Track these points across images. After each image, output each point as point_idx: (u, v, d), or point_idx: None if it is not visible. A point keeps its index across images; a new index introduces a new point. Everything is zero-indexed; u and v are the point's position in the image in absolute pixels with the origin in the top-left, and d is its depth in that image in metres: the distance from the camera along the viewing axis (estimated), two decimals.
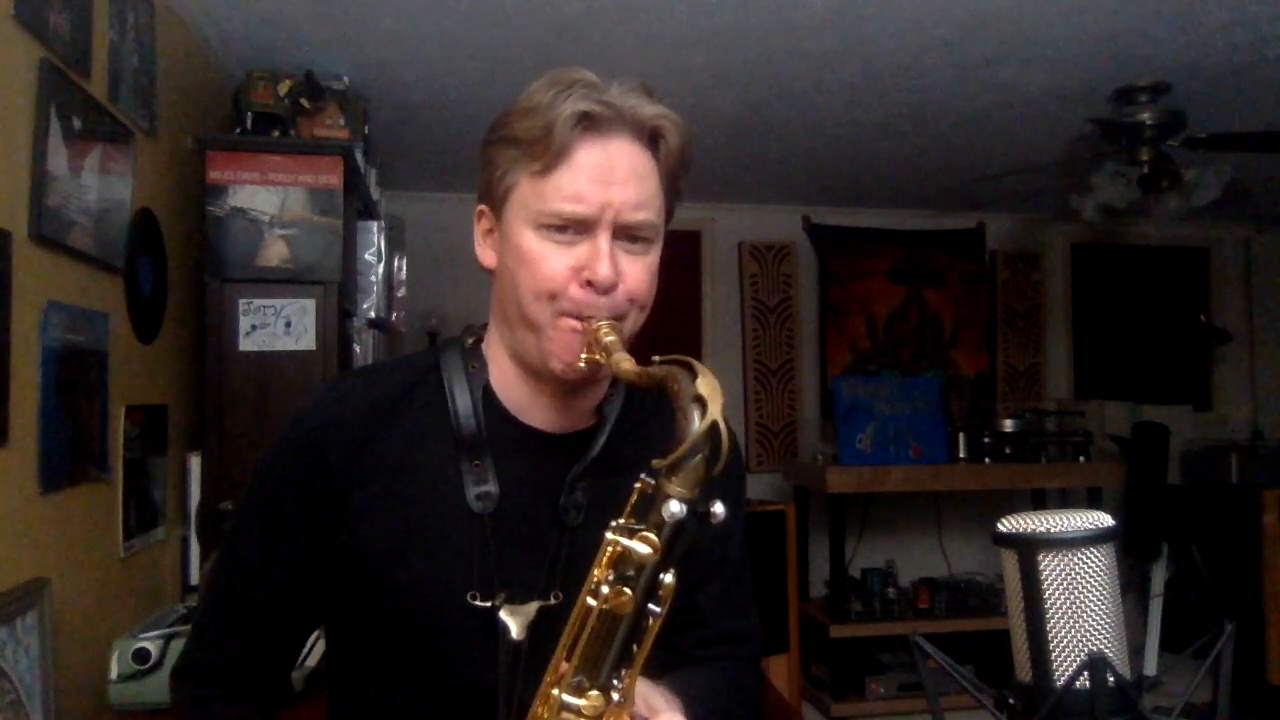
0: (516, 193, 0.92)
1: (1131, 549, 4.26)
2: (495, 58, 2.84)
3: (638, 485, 0.80)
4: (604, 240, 0.89)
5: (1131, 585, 4.42)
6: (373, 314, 2.99)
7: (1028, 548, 0.81)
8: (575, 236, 0.90)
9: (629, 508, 0.81)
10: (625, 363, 0.85)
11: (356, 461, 0.94)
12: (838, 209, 4.94)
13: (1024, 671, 0.82)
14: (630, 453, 0.96)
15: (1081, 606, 0.79)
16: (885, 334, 5.05)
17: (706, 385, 0.79)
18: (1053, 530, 0.80)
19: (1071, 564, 0.79)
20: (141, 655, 1.80)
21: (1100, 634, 0.78)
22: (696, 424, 0.77)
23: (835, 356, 4.97)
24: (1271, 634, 4.01)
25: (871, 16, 2.59)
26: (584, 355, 0.89)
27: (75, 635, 1.78)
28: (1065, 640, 0.79)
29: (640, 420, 1.00)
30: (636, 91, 0.92)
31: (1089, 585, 0.79)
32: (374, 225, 3.01)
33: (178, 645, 1.79)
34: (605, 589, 0.79)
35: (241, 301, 2.39)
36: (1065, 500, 4.69)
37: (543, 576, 0.93)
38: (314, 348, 2.43)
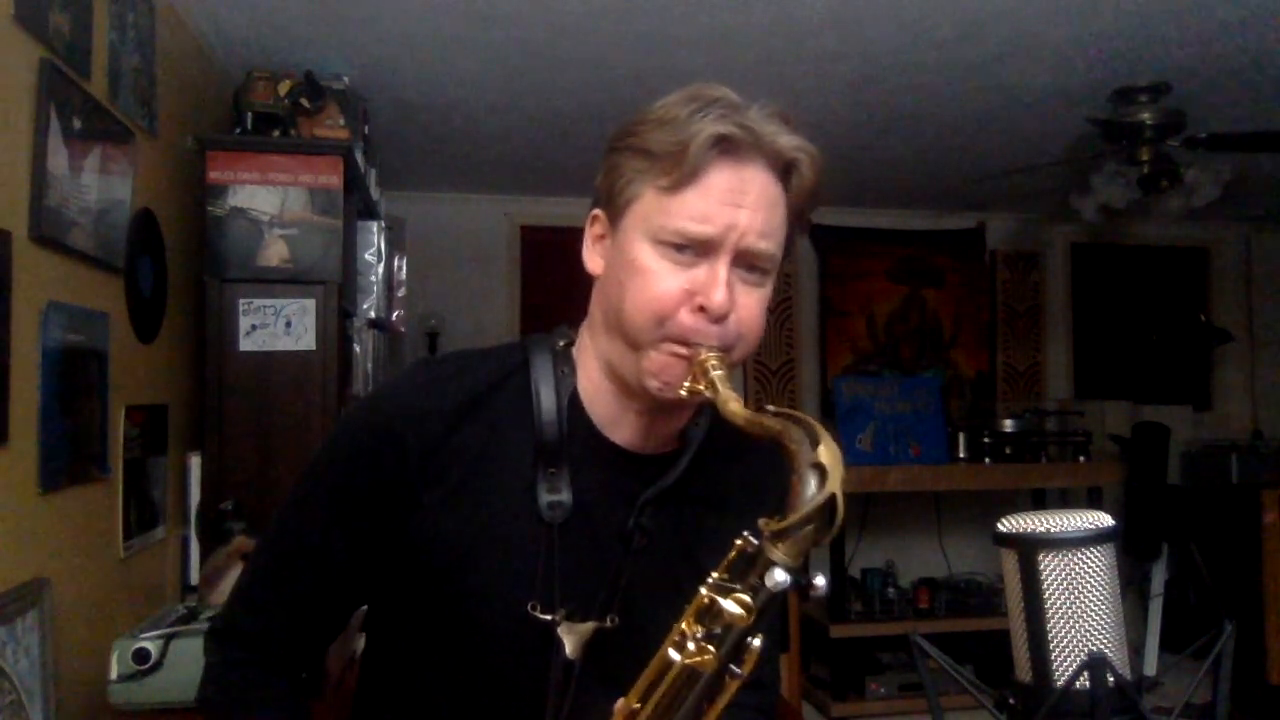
0: (639, 204, 0.89)
1: (1131, 549, 4.26)
2: (495, 58, 2.84)
3: (739, 542, 0.77)
4: (722, 266, 0.86)
5: (1131, 585, 4.42)
6: (373, 314, 2.99)
7: (1028, 548, 0.81)
8: (693, 258, 0.87)
9: (725, 563, 0.78)
10: (734, 404, 0.82)
11: (435, 454, 0.91)
12: (838, 209, 4.94)
13: (1024, 671, 0.82)
14: (705, 486, 0.94)
15: (1081, 606, 0.79)
16: (885, 334, 5.05)
17: (828, 453, 0.74)
18: (1053, 530, 0.81)
19: (1071, 564, 0.79)
20: (141, 655, 1.79)
21: (1100, 634, 0.79)
22: (814, 493, 0.73)
23: (835, 356, 4.97)
24: (1271, 634, 4.00)
25: (871, 16, 2.59)
26: (687, 384, 0.86)
27: (75, 635, 1.78)
28: (1065, 640, 0.79)
29: (721, 453, 0.97)
30: (775, 118, 0.89)
31: (1089, 585, 0.79)
32: (374, 225, 3.01)
33: (178, 645, 1.79)
34: (689, 643, 0.77)
35: (241, 301, 2.39)
36: (1065, 500, 4.69)
37: (602, 596, 0.91)
38: (314, 348, 2.43)
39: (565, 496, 0.91)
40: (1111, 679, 0.77)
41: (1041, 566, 0.80)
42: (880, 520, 4.73)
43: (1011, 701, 0.83)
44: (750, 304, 0.89)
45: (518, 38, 2.69)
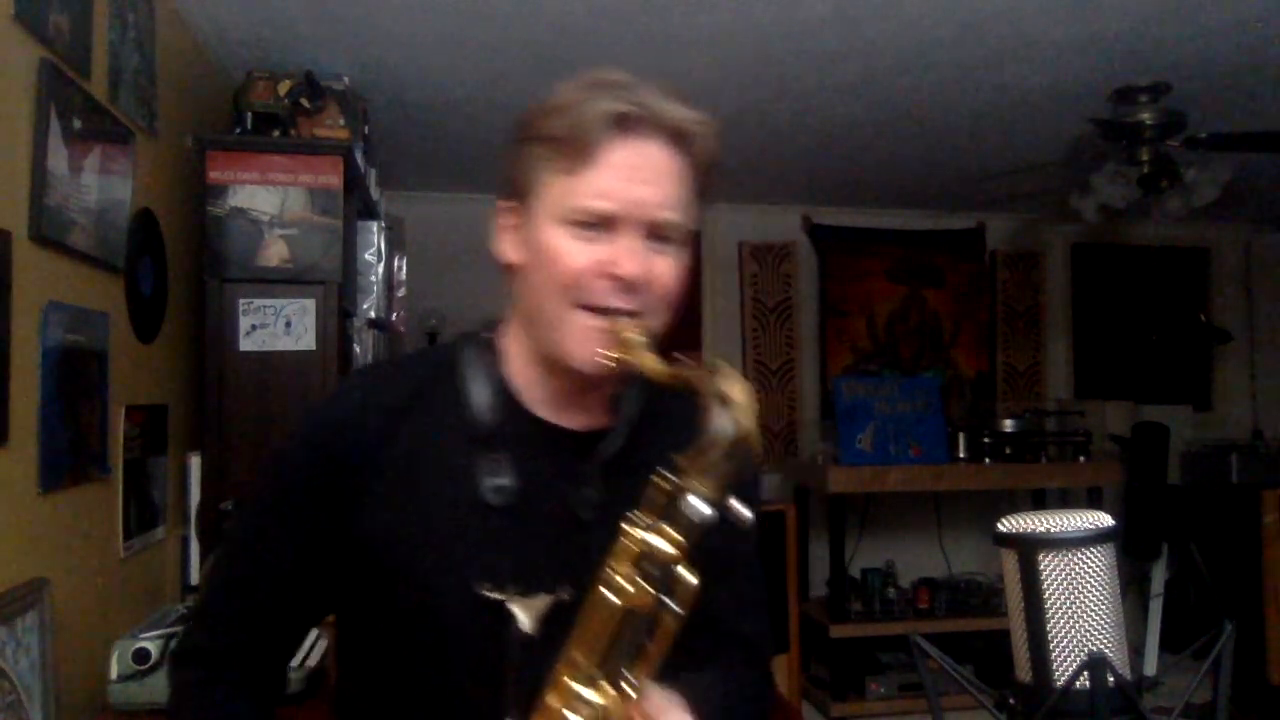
0: (544, 189, 0.92)
1: (1131, 549, 4.26)
2: (495, 58, 2.84)
3: (658, 480, 0.80)
4: (632, 238, 0.89)
5: (1131, 585, 4.42)
6: (373, 314, 2.99)
7: (1028, 548, 0.81)
8: (601, 234, 0.90)
9: (647, 502, 0.81)
10: (652, 362, 0.86)
11: (373, 458, 0.94)
12: (838, 209, 4.94)
13: (1024, 671, 0.82)
14: (648, 453, 0.95)
15: (1081, 606, 0.79)
16: (885, 334, 5.04)
17: (737, 387, 0.79)
18: (1053, 530, 0.80)
19: (1071, 564, 0.79)
20: (141, 655, 1.80)
21: (1100, 634, 0.78)
22: (725, 425, 0.78)
23: (835, 356, 4.97)
24: (1271, 634, 4.00)
25: (872, 16, 2.59)
26: (609, 354, 0.89)
27: (75, 635, 1.78)
28: (1065, 640, 0.79)
29: (659, 420, 0.99)
30: (667, 94, 0.92)
31: (1089, 585, 0.79)
32: (374, 225, 3.00)
33: None
34: (624, 583, 0.79)
35: (241, 301, 2.39)
36: (1065, 500, 4.69)
37: (555, 572, 0.92)
38: (314, 348, 2.42)
39: (508, 480, 0.93)
40: (1111, 679, 0.77)
41: (1041, 566, 0.80)
42: (880, 520, 4.73)
43: (1011, 701, 0.83)
44: (663, 270, 0.92)
45: (518, 38, 2.69)
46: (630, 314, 0.89)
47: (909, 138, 3.71)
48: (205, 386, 2.39)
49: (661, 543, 0.78)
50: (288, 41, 2.68)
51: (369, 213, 3.00)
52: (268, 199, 2.41)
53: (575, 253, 0.90)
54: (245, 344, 2.39)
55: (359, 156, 2.73)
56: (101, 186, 1.89)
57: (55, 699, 1.64)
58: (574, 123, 0.89)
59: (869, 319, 5.02)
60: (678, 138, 0.92)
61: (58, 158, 1.69)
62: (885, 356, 5.02)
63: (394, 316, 3.42)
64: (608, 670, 0.81)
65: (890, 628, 4.20)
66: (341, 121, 2.65)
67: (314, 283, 2.43)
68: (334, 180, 2.46)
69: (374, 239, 3.00)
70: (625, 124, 0.89)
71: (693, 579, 0.79)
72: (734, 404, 0.78)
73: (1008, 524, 0.83)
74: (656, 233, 0.91)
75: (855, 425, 4.21)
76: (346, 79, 2.78)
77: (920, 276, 5.07)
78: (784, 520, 3.80)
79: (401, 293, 3.55)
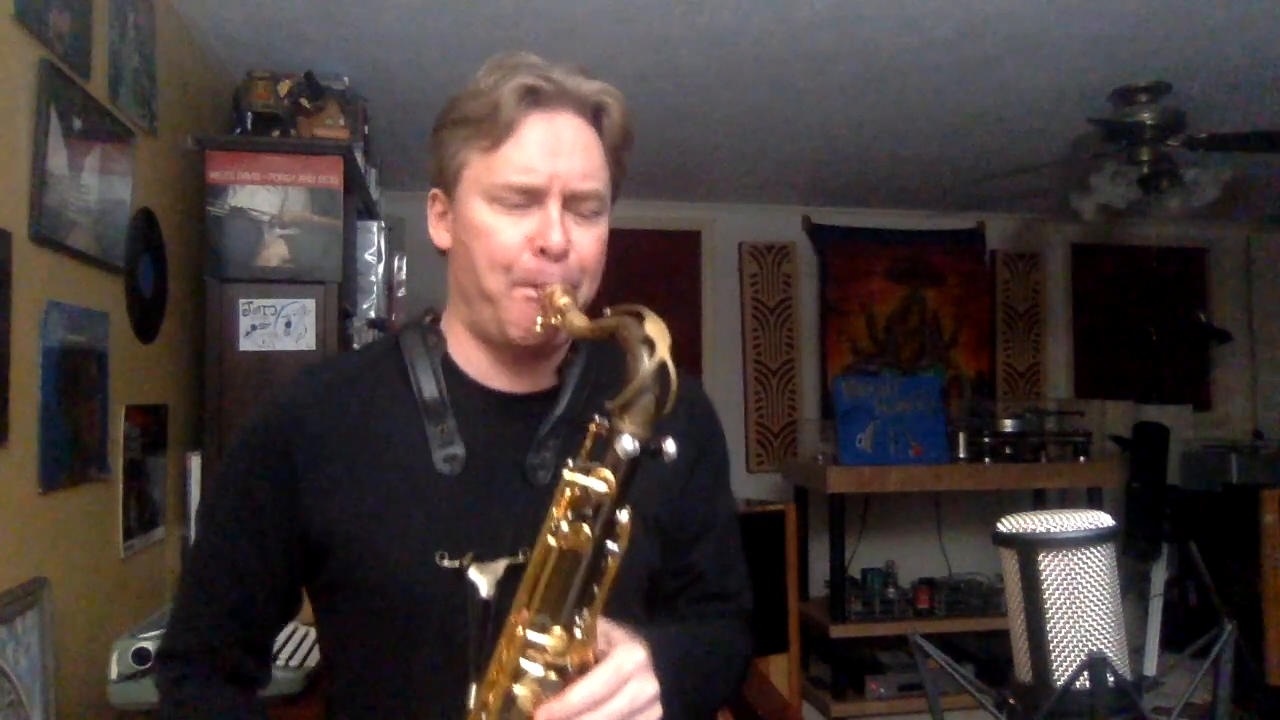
0: (468, 170, 0.95)
1: (1131, 549, 4.26)
2: None
3: (592, 427, 0.83)
4: (554, 209, 0.92)
5: (1131, 585, 4.42)
6: (373, 314, 2.98)
7: (1028, 548, 0.81)
8: (526, 208, 0.93)
9: (584, 450, 0.84)
10: (578, 320, 0.89)
11: (319, 441, 0.96)
12: (838, 209, 4.94)
13: (1024, 671, 0.82)
14: (595, 414, 0.98)
15: (1081, 606, 0.79)
16: (885, 334, 5.04)
17: (654, 328, 0.82)
18: (1052, 530, 0.80)
19: (1071, 564, 0.79)
20: (141, 655, 1.79)
21: (1100, 634, 0.78)
22: (645, 364, 0.80)
23: (835, 356, 4.97)
24: (1271, 634, 4.00)
25: (871, 16, 2.59)
26: (539, 320, 0.92)
27: (75, 635, 1.78)
28: (1065, 640, 0.79)
29: (602, 380, 1.02)
30: (577, 72, 0.96)
31: (1089, 585, 0.79)
32: (374, 225, 3.00)
33: None
34: (564, 527, 0.82)
35: (241, 301, 2.39)
36: (1065, 500, 4.69)
37: (512, 535, 0.94)
38: (314, 348, 2.43)
39: (458, 449, 0.96)
40: (1111, 679, 0.77)
41: (1041, 566, 0.80)
42: (880, 520, 4.73)
43: (1011, 701, 0.83)
44: (587, 241, 0.95)
45: (518, 38, 2.68)
46: (559, 283, 0.92)
47: (909, 138, 3.71)
48: (205, 386, 2.39)
49: (595, 483, 0.80)
50: (288, 41, 2.68)
51: (369, 213, 3.00)
52: (268, 199, 2.41)
53: (504, 229, 0.93)
54: (245, 344, 2.39)
55: (359, 156, 2.73)
56: (101, 186, 1.90)
57: (55, 699, 1.64)
58: (491, 101, 0.92)
59: (869, 319, 5.02)
60: (590, 110, 0.96)
61: (58, 158, 1.69)
62: (885, 356, 5.02)
63: (394, 316, 3.42)
64: (557, 615, 0.83)
65: (890, 628, 4.20)
66: (341, 121, 2.65)
67: (314, 283, 2.43)
68: (334, 180, 2.46)
69: (374, 239, 3.00)
70: (539, 99, 0.93)
71: (625, 517, 0.82)
72: (652, 341, 0.81)
73: (1007, 524, 0.83)
74: (578, 202, 0.94)
75: (855, 425, 4.21)
76: (346, 79, 2.78)
77: (920, 276, 5.07)
78: (784, 520, 3.81)
79: (401, 293, 3.55)
